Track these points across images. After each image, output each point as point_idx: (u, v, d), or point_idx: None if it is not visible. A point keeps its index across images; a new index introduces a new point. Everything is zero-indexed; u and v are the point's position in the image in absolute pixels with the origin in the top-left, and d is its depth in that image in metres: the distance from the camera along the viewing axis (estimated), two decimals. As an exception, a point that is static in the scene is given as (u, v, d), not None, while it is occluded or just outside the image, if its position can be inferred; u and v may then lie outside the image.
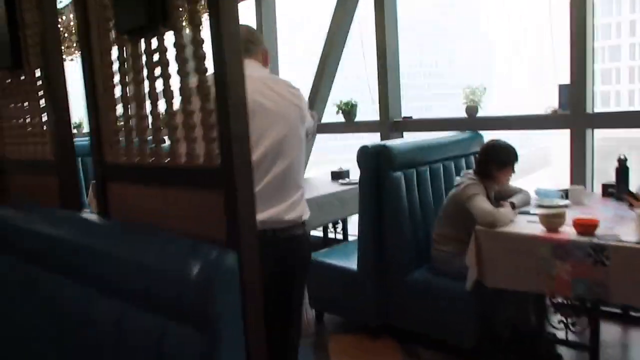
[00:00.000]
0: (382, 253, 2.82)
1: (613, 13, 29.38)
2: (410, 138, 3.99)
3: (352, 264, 2.94)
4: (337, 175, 4.17)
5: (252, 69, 1.54)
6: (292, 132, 1.59)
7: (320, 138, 4.84)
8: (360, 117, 4.44)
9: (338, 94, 4.72)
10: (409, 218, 2.81)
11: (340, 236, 4.44)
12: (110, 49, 1.29)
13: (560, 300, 2.25)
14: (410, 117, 4.16)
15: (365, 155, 2.77)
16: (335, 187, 3.83)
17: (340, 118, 4.46)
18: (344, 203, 3.60)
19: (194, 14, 1.03)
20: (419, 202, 2.92)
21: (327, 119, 4.80)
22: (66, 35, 5.02)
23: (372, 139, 4.29)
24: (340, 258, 3.12)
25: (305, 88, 4.53)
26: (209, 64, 1.00)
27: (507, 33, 52.37)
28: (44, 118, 1.61)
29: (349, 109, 4.38)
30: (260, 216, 1.31)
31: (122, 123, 1.29)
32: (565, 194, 2.74)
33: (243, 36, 1.29)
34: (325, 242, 4.31)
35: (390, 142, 2.96)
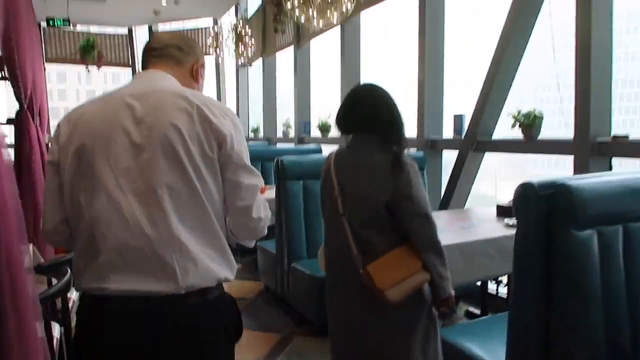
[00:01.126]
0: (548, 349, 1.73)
1: None
2: (620, 170, 2.71)
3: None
4: (504, 212, 3.07)
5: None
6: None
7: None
8: (544, 133, 3.26)
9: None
10: (602, 303, 1.66)
11: (504, 290, 3.34)
12: None
13: None
14: (626, 137, 2.82)
15: (527, 200, 1.71)
16: (498, 229, 2.78)
17: (516, 133, 3.33)
18: (507, 255, 2.53)
19: None
20: (625, 278, 1.73)
21: (500, 134, 3.71)
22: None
23: (562, 163, 3.12)
24: (480, 341, 2.10)
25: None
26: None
27: None
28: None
29: (529, 122, 3.23)
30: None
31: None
32: None
33: (167, 40, 1.41)
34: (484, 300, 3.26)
35: (576, 180, 1.82)
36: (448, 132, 4.15)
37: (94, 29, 9.85)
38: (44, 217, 1.33)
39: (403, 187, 1.75)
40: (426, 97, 4.12)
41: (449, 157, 4.46)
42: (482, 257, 2.55)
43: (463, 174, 3.79)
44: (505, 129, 3.47)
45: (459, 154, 3.82)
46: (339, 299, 1.90)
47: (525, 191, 1.70)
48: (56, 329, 2.33)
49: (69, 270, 2.16)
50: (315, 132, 6.39)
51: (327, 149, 5.91)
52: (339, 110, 1.93)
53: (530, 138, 3.22)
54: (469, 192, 3.93)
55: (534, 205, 1.68)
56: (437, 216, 3.40)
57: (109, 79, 49.50)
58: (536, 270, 1.73)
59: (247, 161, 1.30)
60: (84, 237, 1.23)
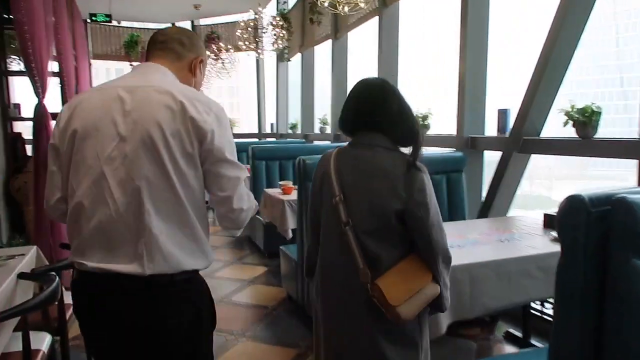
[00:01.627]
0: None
1: None
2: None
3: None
4: (552, 222, 2.67)
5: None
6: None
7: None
8: (603, 131, 2.82)
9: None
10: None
11: (549, 311, 2.94)
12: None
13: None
14: None
15: (575, 217, 1.35)
16: (543, 244, 2.41)
17: (569, 132, 2.91)
18: (553, 275, 2.15)
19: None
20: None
21: (549, 132, 3.29)
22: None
23: (633, 163, 2.68)
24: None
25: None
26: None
27: None
28: None
29: (585, 119, 2.80)
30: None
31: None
32: None
33: (171, 34, 1.48)
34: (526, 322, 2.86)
35: (638, 194, 1.43)
36: (491, 130, 3.75)
37: (138, 25, 9.93)
38: (46, 195, 1.46)
39: (417, 193, 1.54)
40: (467, 91, 3.73)
41: (491, 158, 4.07)
42: (522, 278, 2.19)
43: (506, 177, 3.39)
44: (555, 126, 3.05)
45: (502, 154, 3.42)
46: (338, 314, 1.69)
47: (573, 206, 1.34)
48: (45, 340, 2.17)
49: (57, 278, 2.00)
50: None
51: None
52: (343, 108, 1.69)
53: (586, 137, 2.79)
54: (513, 197, 3.52)
55: (583, 224, 1.33)
56: (475, 226, 3.09)
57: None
58: (584, 301, 1.39)
59: (229, 154, 1.34)
60: (73, 216, 1.35)
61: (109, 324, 1.33)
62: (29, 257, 2.42)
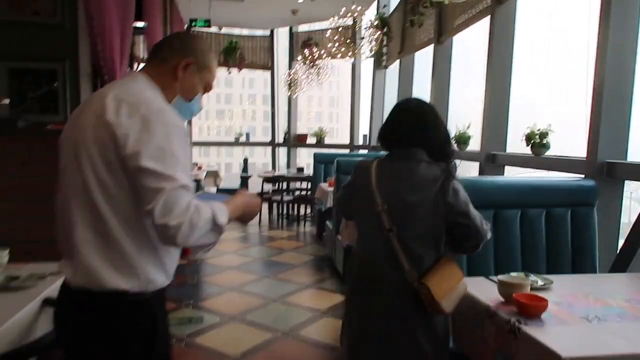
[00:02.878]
0: None
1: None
2: None
3: None
4: None
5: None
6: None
7: None
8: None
9: None
10: None
11: None
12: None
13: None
14: None
15: None
16: None
17: None
18: None
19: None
20: None
21: None
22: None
23: None
24: None
25: None
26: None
27: None
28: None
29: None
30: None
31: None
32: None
33: (167, 38, 1.51)
34: None
35: None
36: (636, 152, 2.93)
37: (237, 31, 9.97)
38: None
39: (457, 202, 1.76)
40: (605, 102, 2.93)
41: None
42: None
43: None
44: None
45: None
46: (378, 310, 1.82)
47: None
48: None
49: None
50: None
51: (464, 166, 4.89)
52: (383, 125, 1.91)
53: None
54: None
55: None
56: (615, 283, 2.17)
57: (246, 83, 52.04)
58: None
59: (149, 161, 1.19)
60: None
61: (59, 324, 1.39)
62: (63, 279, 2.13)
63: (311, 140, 9.70)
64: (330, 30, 8.50)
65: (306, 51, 7.82)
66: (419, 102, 1.89)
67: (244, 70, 9.87)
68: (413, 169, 1.76)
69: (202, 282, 4.57)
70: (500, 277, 1.86)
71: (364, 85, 9.37)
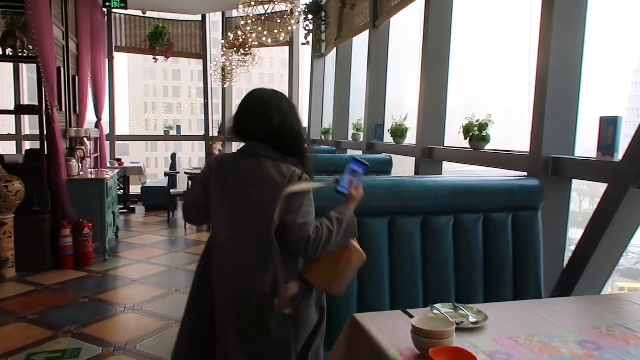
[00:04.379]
0: None
1: None
2: None
3: None
4: None
5: None
6: None
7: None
8: None
9: None
10: None
11: None
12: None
13: None
14: None
15: None
16: None
17: None
18: None
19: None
20: None
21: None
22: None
23: None
24: None
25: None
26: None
27: None
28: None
29: None
30: None
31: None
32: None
33: None
34: None
35: None
36: (585, 148, 2.52)
37: (165, 16, 9.14)
38: None
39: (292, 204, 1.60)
40: (550, 92, 2.49)
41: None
42: None
43: (613, 227, 2.12)
44: None
45: (608, 189, 2.16)
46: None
47: None
48: None
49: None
50: (389, 138, 4.90)
51: (400, 161, 4.41)
52: (233, 116, 1.75)
53: None
54: (618, 261, 2.25)
55: None
56: (564, 315, 1.61)
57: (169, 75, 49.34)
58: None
59: None
60: None
61: None
62: None
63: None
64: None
65: (230, 35, 7.14)
66: (266, 91, 1.73)
67: (170, 61, 9.13)
68: (255, 164, 1.65)
69: (94, 300, 3.87)
70: (416, 321, 1.33)
71: (307, 76, 8.81)
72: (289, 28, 4.31)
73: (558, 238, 2.51)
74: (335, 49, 6.93)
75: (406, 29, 5.56)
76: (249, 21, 4.43)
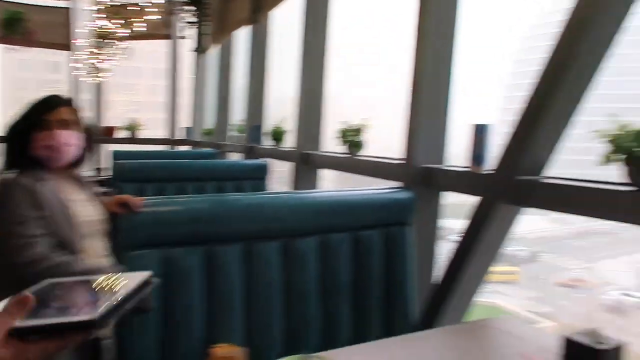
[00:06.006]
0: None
1: None
2: None
3: None
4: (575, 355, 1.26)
5: None
6: None
7: None
8: None
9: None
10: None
11: None
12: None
13: None
14: None
15: None
16: None
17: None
18: None
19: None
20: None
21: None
22: None
23: None
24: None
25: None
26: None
27: None
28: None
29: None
30: None
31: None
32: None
33: None
34: None
35: None
36: (458, 157, 2.37)
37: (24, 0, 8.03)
38: None
39: None
40: (423, 96, 2.32)
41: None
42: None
43: (483, 240, 1.97)
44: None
45: (481, 201, 2.01)
46: None
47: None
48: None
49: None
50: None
51: (279, 166, 4.11)
52: None
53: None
54: (487, 275, 2.12)
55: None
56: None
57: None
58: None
59: None
60: None
61: None
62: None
63: (126, 134, 8.21)
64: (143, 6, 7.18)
65: (96, 24, 6.40)
66: None
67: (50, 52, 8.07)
68: None
69: None
70: None
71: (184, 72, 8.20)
72: (145, 17, 3.80)
73: (429, 254, 2.34)
74: (219, 44, 6.47)
75: (295, 25, 5.29)
76: (103, 7, 3.85)
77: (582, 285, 19.58)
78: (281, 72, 5.41)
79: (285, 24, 5.26)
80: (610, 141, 1.43)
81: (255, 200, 2.00)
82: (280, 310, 1.91)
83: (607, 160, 1.45)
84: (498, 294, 17.30)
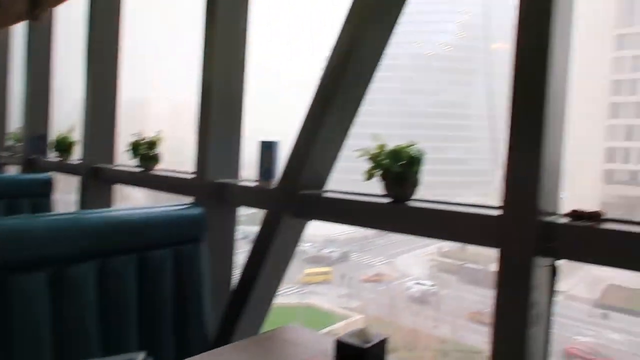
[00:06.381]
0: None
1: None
2: None
3: None
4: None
5: None
6: None
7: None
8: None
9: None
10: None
11: None
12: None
13: None
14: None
15: None
16: None
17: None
18: None
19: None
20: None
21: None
22: None
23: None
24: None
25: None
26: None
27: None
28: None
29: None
30: None
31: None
32: None
33: None
34: None
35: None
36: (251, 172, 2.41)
37: None
38: None
39: None
40: (213, 110, 2.29)
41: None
42: None
43: (273, 253, 2.03)
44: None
45: (266, 215, 2.05)
46: None
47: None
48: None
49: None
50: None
51: (64, 182, 3.68)
52: None
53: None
54: (280, 285, 2.19)
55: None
56: None
57: None
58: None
59: None
60: None
61: None
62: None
63: None
64: None
65: None
66: None
67: None
68: None
69: None
70: None
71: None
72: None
73: (226, 269, 2.33)
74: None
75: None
76: None
77: (384, 279, 21.89)
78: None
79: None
80: (370, 159, 1.60)
81: (18, 223, 1.72)
82: (50, 347, 1.68)
83: (370, 176, 1.61)
84: (314, 294, 18.36)
